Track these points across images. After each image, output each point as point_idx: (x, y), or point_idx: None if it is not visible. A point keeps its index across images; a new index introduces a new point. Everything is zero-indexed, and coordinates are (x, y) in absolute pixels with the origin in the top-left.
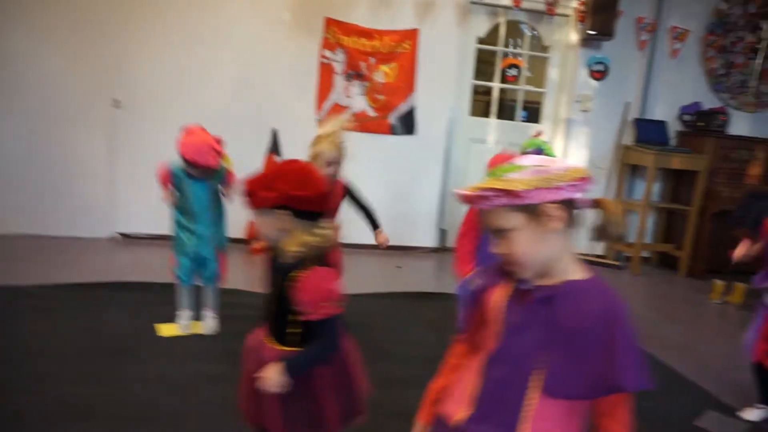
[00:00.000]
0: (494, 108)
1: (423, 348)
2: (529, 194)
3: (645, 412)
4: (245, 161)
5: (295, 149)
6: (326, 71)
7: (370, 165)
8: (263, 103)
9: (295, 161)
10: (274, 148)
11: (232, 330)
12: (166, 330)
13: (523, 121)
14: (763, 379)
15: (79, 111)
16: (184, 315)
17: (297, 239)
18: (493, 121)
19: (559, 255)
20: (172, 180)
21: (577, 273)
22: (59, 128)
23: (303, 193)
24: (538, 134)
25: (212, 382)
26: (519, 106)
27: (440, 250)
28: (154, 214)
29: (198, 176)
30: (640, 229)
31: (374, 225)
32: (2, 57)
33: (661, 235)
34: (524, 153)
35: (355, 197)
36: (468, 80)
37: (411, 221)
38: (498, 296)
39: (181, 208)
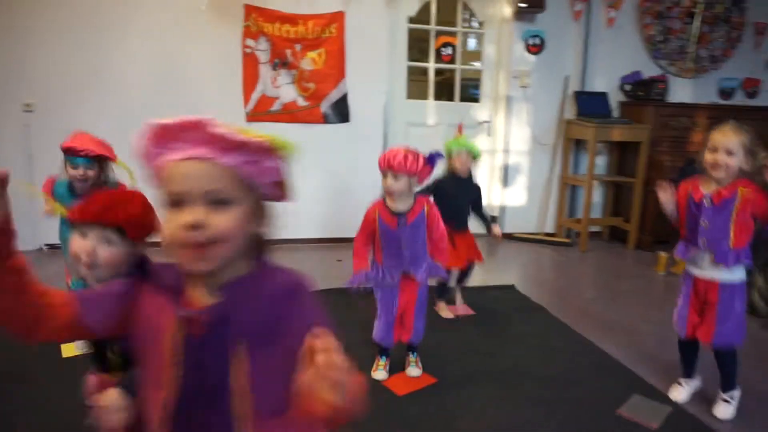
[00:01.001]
0: (431, 89)
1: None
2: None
3: (570, 400)
4: None
5: None
6: (250, 61)
7: (303, 157)
8: (186, 97)
9: (131, 192)
10: None
11: None
12: (66, 350)
13: (473, 98)
14: (688, 356)
15: None
16: None
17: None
18: (431, 103)
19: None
20: (54, 195)
21: (247, 263)
22: None
23: (143, 219)
24: (460, 130)
25: None
26: (457, 85)
27: None
28: None
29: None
30: (586, 204)
31: None
32: None
33: (611, 208)
34: (451, 156)
35: None
36: (402, 62)
37: (350, 212)
38: (164, 325)
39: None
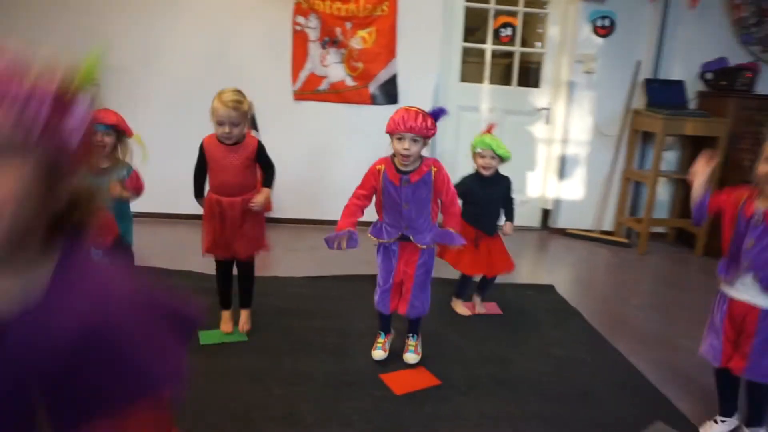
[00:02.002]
0: (487, 72)
1: (346, 338)
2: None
3: (582, 421)
4: None
5: (272, 122)
6: (300, 39)
7: (349, 137)
8: (235, 74)
9: None
10: (251, 122)
11: None
12: None
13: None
14: (726, 388)
15: None
16: None
17: None
18: (486, 87)
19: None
20: None
21: (42, 262)
22: None
23: None
24: (490, 129)
25: None
26: (515, 68)
27: None
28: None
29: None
30: (648, 202)
31: (265, 183)
32: None
33: (679, 209)
34: (474, 152)
35: (262, 156)
36: (457, 43)
37: None
38: None
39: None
